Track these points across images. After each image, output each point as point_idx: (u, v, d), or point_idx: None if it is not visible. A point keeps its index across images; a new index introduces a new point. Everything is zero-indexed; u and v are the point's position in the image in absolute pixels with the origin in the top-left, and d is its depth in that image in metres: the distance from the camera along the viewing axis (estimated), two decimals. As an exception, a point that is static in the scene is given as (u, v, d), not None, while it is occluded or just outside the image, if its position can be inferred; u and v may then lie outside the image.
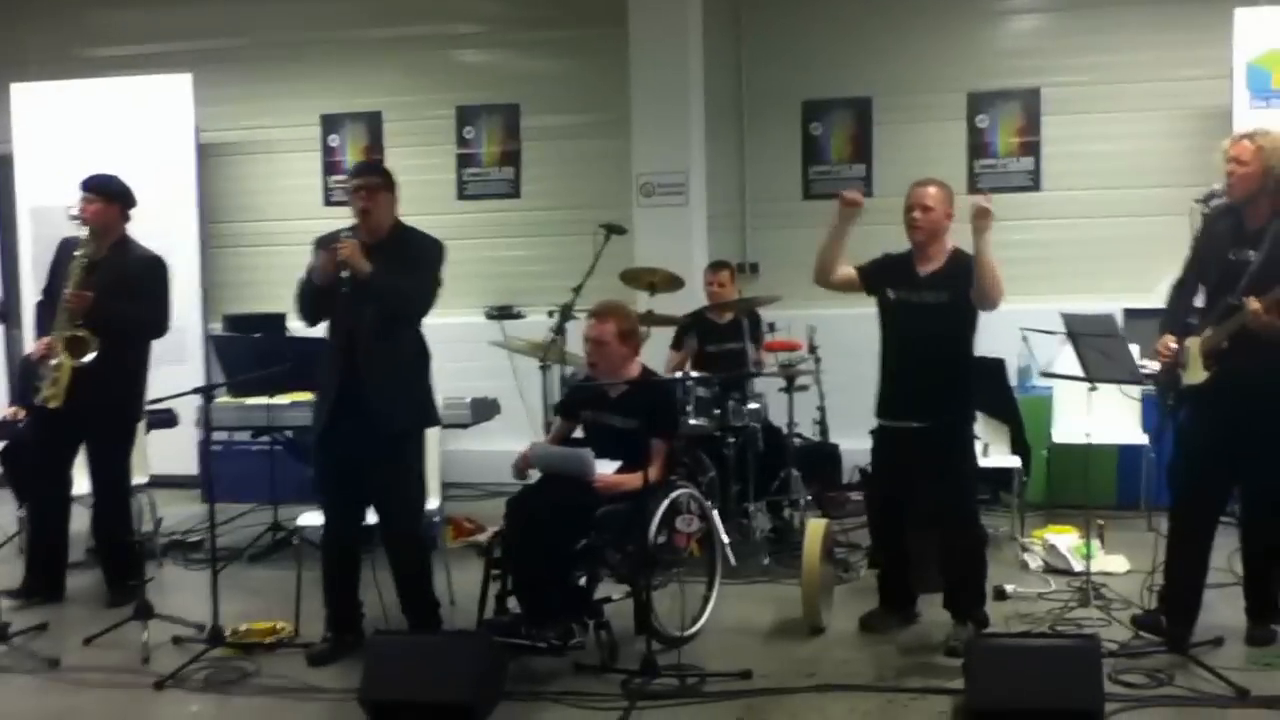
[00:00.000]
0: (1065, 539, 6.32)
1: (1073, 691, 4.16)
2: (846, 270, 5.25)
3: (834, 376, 7.37)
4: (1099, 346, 4.82)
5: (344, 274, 4.83)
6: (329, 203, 9.41)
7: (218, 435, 7.80)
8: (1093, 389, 5.29)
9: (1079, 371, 5.36)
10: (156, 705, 4.70)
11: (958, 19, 8.72)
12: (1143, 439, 7.02)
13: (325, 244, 4.99)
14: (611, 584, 5.07)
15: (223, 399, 6.64)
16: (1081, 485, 7.25)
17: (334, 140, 9.50)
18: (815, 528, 5.43)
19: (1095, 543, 6.20)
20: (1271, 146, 4.80)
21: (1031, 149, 8.57)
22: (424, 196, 8.24)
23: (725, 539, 5.77)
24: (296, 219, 9.31)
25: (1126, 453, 7.25)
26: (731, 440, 6.58)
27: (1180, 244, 7.84)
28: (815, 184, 8.94)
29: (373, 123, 9.43)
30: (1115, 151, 8.41)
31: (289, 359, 5.68)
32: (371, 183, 5.05)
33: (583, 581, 4.85)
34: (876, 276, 5.24)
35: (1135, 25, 8.36)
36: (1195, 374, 4.85)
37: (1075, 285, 8.33)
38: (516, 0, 9.33)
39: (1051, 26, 8.66)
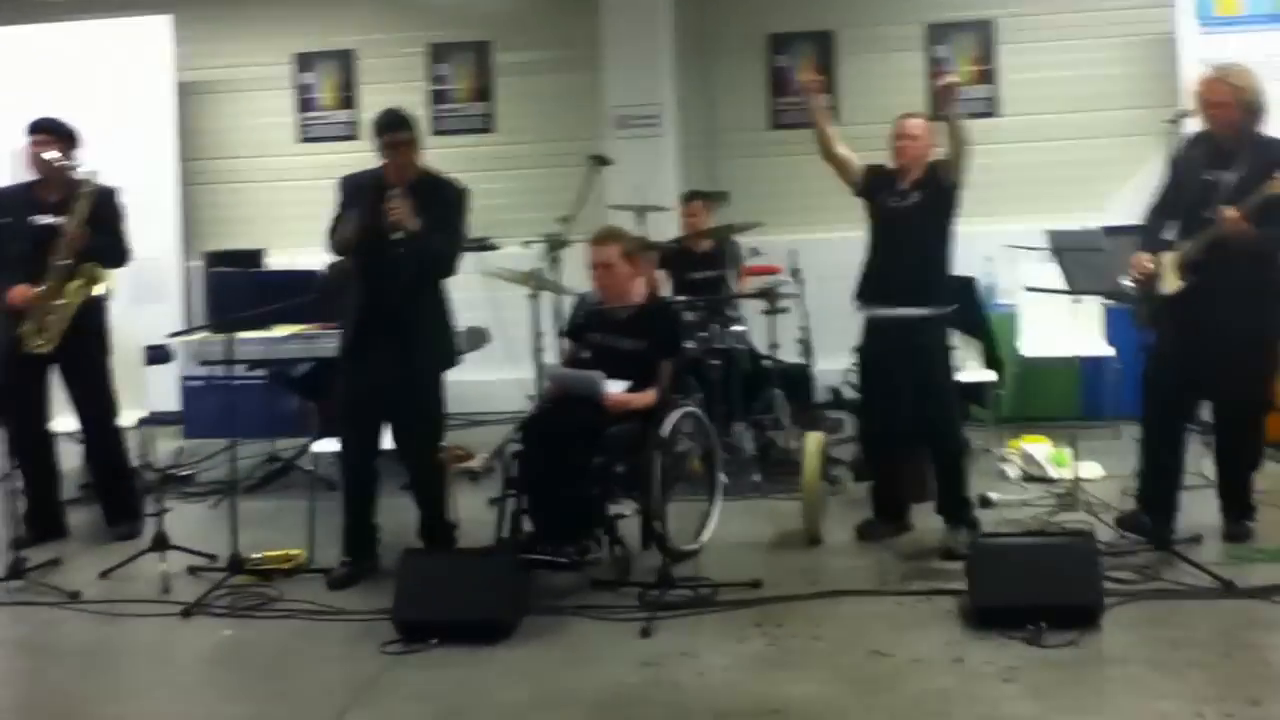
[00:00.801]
0: (1041, 448, 6.42)
1: (1073, 587, 4.25)
2: (848, 152, 5.36)
3: (809, 301, 7.34)
4: (1084, 260, 4.86)
5: (396, 234, 4.80)
6: (306, 139, 9.27)
7: (198, 371, 7.73)
8: (1077, 301, 5.34)
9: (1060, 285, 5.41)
10: (188, 631, 4.64)
11: (915, -47, 8.71)
12: (1106, 351, 7.08)
13: (354, 189, 4.98)
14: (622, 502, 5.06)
15: (208, 335, 6.52)
16: (1048, 397, 7.42)
17: (308, 78, 9.32)
18: (814, 440, 5.46)
19: (1069, 450, 6.32)
20: (1244, 84, 4.88)
21: (988, 76, 8.59)
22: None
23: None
24: (272, 156, 9.23)
25: (1089, 365, 7.33)
26: (716, 363, 6.58)
27: (1131, 165, 8.04)
28: (782, 114, 8.93)
29: (346, 61, 9.27)
30: (1067, 78, 8.48)
31: (309, 291, 5.55)
32: (402, 138, 4.95)
33: (597, 497, 4.83)
34: (871, 184, 5.35)
35: (1085, -48, 8.38)
36: (1170, 283, 4.93)
37: (1032, 206, 8.37)
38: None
39: (1004, -42, 8.67)
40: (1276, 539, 5.04)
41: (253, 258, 8.65)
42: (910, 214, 5.20)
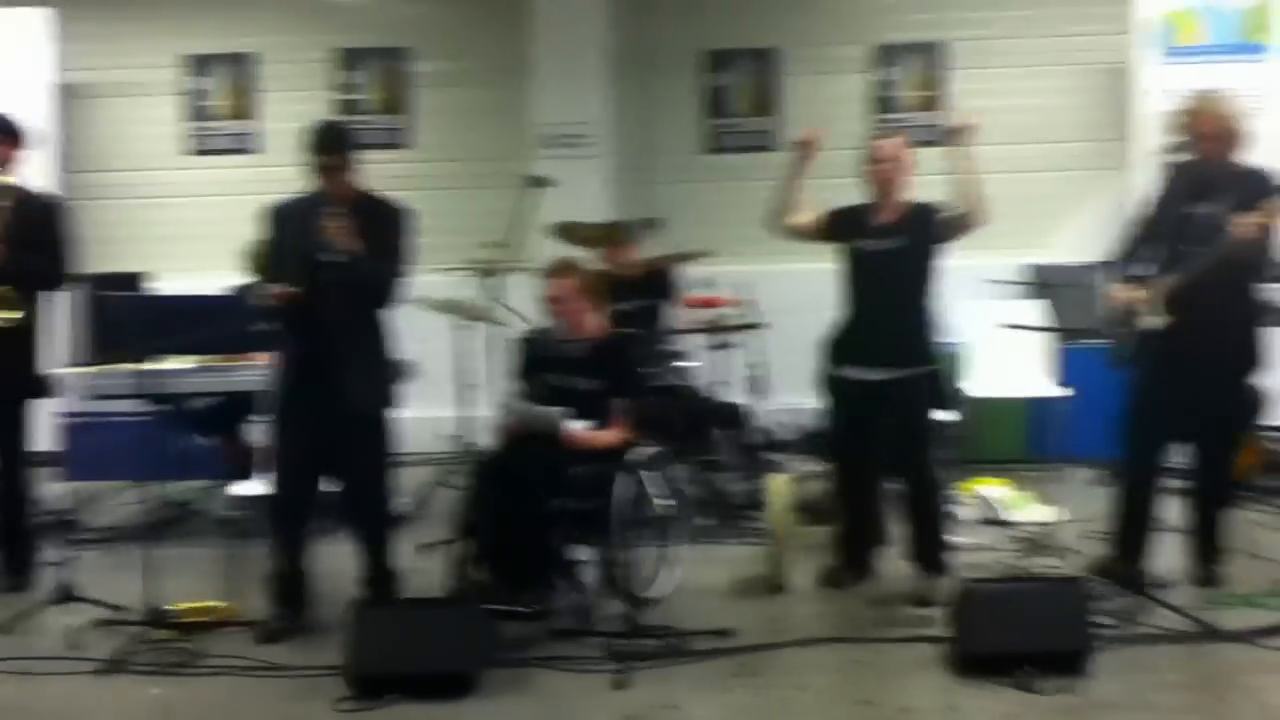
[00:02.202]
0: (996, 491, 6.69)
1: (1063, 632, 4.49)
2: (804, 217, 5.45)
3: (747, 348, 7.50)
4: (1072, 298, 5.11)
5: (331, 256, 4.83)
6: (197, 151, 9.24)
7: (80, 407, 7.63)
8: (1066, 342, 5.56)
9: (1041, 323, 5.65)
10: (110, 692, 4.60)
11: (863, -30, 9.01)
12: (1054, 390, 7.32)
13: (287, 217, 5.00)
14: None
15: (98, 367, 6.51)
16: (994, 439, 7.69)
17: (202, 84, 9.28)
18: (779, 483, 5.64)
19: (1023, 494, 6.62)
20: (1224, 105, 5.19)
21: (933, 104, 8.90)
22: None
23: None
24: (158, 169, 9.17)
25: (1036, 405, 7.63)
26: (656, 400, 6.70)
27: (1081, 200, 8.41)
28: (719, 138, 9.16)
29: (245, 65, 9.25)
30: (1019, 106, 8.74)
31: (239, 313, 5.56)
32: (333, 163, 4.96)
33: (557, 543, 4.94)
34: (838, 225, 5.45)
35: (1039, -21, 8.75)
36: (1154, 318, 5.18)
37: (978, 241, 8.66)
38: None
39: (956, -22, 9.00)
40: (1246, 583, 5.35)
41: (131, 281, 8.57)
42: (891, 260, 5.30)
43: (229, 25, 9.23)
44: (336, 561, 5.29)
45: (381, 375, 5.15)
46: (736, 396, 7.47)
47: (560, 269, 5.46)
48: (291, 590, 5.13)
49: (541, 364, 5.47)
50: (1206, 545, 5.45)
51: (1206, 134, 5.12)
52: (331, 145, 5.00)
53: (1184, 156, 5.23)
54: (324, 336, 4.94)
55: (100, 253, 8.92)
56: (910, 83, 8.98)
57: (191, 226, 8.95)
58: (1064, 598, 4.61)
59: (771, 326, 7.20)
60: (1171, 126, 5.27)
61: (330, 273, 4.88)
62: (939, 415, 6.87)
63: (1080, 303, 5.07)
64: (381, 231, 5.01)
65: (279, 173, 5.14)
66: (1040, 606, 4.56)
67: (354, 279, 4.91)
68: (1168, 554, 5.50)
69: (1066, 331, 5.43)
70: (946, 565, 5.41)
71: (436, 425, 7.30)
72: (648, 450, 5.37)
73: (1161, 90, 7.38)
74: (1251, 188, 5.05)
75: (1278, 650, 4.67)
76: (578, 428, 5.15)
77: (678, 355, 7.08)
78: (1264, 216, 4.87)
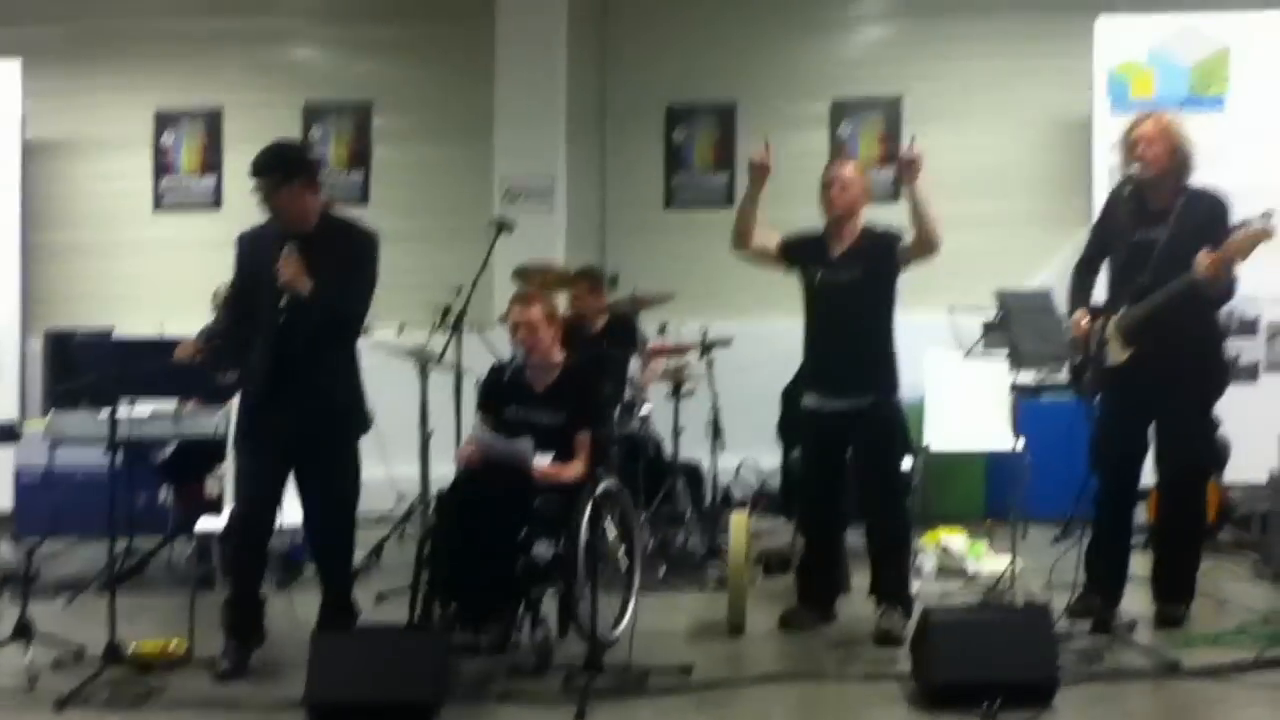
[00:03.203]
0: (958, 540, 6.67)
1: (1029, 663, 4.42)
2: (766, 240, 5.50)
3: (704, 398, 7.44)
4: (1033, 324, 5.11)
5: (281, 309, 4.80)
6: (163, 206, 9.24)
7: (33, 462, 7.53)
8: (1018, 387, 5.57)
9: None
10: (68, 727, 4.51)
11: (820, 27, 9.17)
12: (1015, 445, 7.30)
13: (252, 246, 4.97)
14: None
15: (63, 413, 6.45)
16: (953, 495, 7.70)
17: (168, 138, 9.30)
18: (739, 523, 5.61)
19: (984, 543, 6.62)
20: (1174, 122, 5.27)
21: (894, 158, 8.99)
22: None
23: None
24: (124, 224, 9.18)
25: (997, 461, 7.63)
26: (616, 449, 6.68)
27: (1042, 255, 8.48)
28: (678, 192, 9.23)
29: (212, 121, 9.29)
30: (977, 162, 8.83)
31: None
32: (264, 184, 4.88)
33: (520, 576, 4.87)
34: (795, 251, 5.51)
35: (996, 35, 8.90)
36: (1117, 353, 5.22)
37: (937, 296, 8.70)
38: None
39: (913, 35, 9.13)
40: (1207, 624, 5.34)
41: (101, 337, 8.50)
42: (848, 291, 5.34)
43: (195, 80, 9.28)
44: (307, 595, 5.27)
45: (352, 397, 5.10)
46: (696, 448, 7.49)
47: (528, 297, 5.51)
48: (247, 619, 5.04)
49: (505, 396, 5.46)
50: (1173, 585, 5.41)
51: (1149, 137, 5.17)
52: (260, 169, 4.91)
53: (1135, 179, 5.25)
54: (290, 367, 4.89)
55: (64, 308, 9.01)
56: (869, 137, 9.07)
57: (155, 282, 8.94)
58: (1030, 628, 4.55)
59: (728, 382, 7.20)
60: (1121, 149, 5.31)
61: (290, 310, 4.84)
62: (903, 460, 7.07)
63: (1044, 330, 5.07)
64: (343, 259, 4.95)
65: (241, 229, 5.16)
66: (1006, 636, 4.50)
67: (311, 316, 4.85)
68: (1136, 596, 5.49)
69: (1030, 358, 5.42)
70: (911, 604, 5.37)
71: (393, 484, 7.20)
72: (610, 485, 5.33)
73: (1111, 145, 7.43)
74: (1204, 212, 5.11)
75: (1244, 685, 4.63)
76: (544, 461, 5.13)
77: (639, 404, 7.06)
78: (1225, 254, 4.89)
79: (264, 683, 4.79)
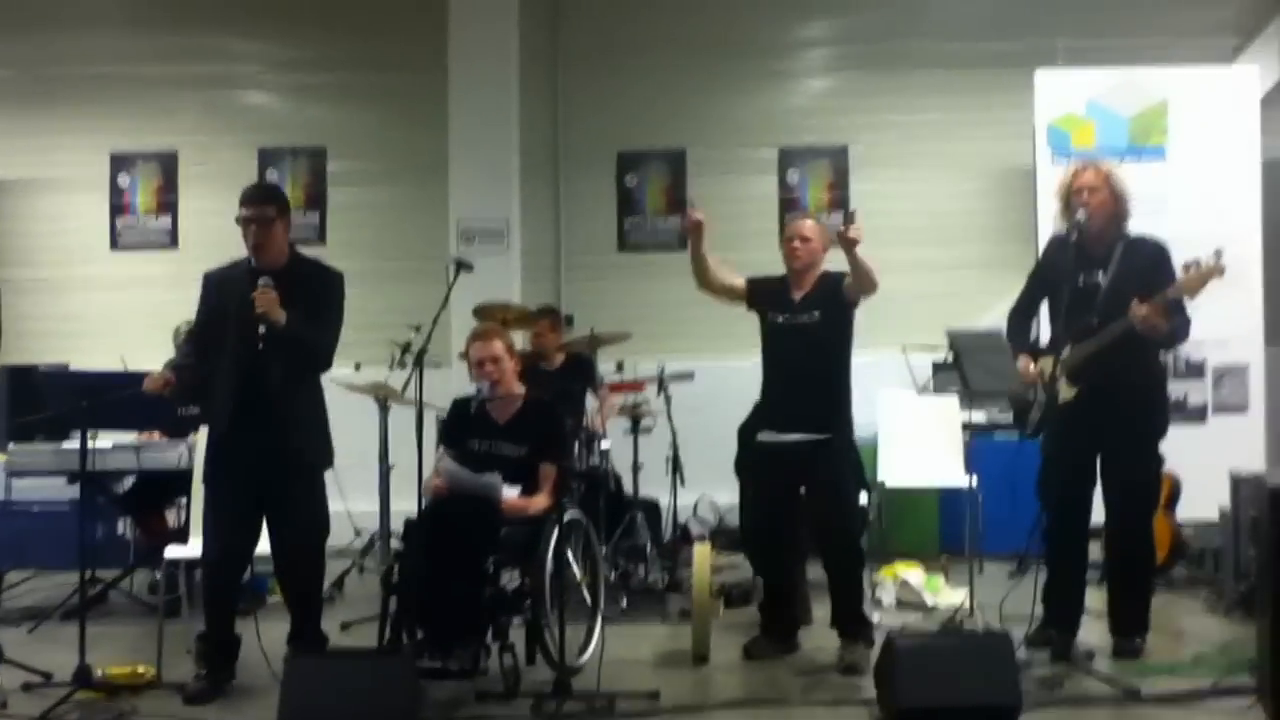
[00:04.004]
0: (916, 574, 6.76)
1: (993, 687, 4.49)
2: (730, 280, 5.63)
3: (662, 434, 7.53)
4: (985, 362, 5.24)
5: (261, 335, 4.86)
6: (118, 246, 9.21)
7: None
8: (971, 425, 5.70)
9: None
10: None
11: (768, 77, 9.36)
12: (967, 481, 7.42)
13: (220, 284, 5.03)
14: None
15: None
16: (908, 530, 7.80)
17: (124, 180, 9.29)
18: (702, 553, 5.65)
19: (940, 577, 6.71)
20: (1113, 170, 5.45)
21: (840, 204, 9.15)
22: (223, 242, 8.06)
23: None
24: (79, 264, 9.16)
25: (950, 497, 7.75)
26: (577, 484, 6.73)
27: (988, 298, 8.64)
28: (630, 235, 9.35)
29: (168, 163, 9.30)
30: (921, 209, 9.06)
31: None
32: (264, 214, 5.00)
33: (488, 603, 4.88)
34: (758, 296, 5.64)
35: (939, 87, 9.13)
36: (1064, 391, 5.34)
37: (884, 338, 8.87)
38: (320, 42, 9.36)
39: (858, 87, 9.34)
40: (1164, 656, 5.43)
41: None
42: (807, 333, 5.46)
43: (152, 123, 9.30)
44: (268, 623, 5.25)
45: (318, 430, 5.16)
46: (655, 484, 7.54)
47: (488, 332, 5.59)
48: (219, 650, 5.05)
49: (469, 429, 5.49)
50: (1128, 619, 5.50)
51: (1091, 186, 5.32)
52: (257, 198, 5.08)
53: (1081, 225, 5.37)
54: (259, 399, 4.92)
55: (18, 346, 8.94)
56: (817, 184, 9.24)
57: (110, 321, 8.91)
58: (992, 652, 4.62)
59: (685, 420, 7.36)
60: (1062, 197, 5.45)
61: (265, 342, 4.89)
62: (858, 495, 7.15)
63: (995, 367, 5.20)
64: (313, 296, 5.06)
65: (197, 268, 5.24)
66: (968, 661, 4.58)
67: (284, 349, 4.92)
68: (1094, 629, 5.60)
69: (981, 395, 5.54)
70: (871, 634, 5.44)
71: (351, 520, 7.20)
72: (574, 515, 5.36)
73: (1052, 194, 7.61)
74: (1146, 257, 5.29)
75: (1203, 711, 4.73)
76: (511, 495, 5.17)
77: (597, 440, 7.11)
78: (1161, 302, 5.07)
79: (234, 706, 4.80)
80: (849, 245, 5.21)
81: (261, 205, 5.01)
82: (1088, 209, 5.34)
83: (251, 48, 9.42)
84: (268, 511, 5.05)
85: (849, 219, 5.28)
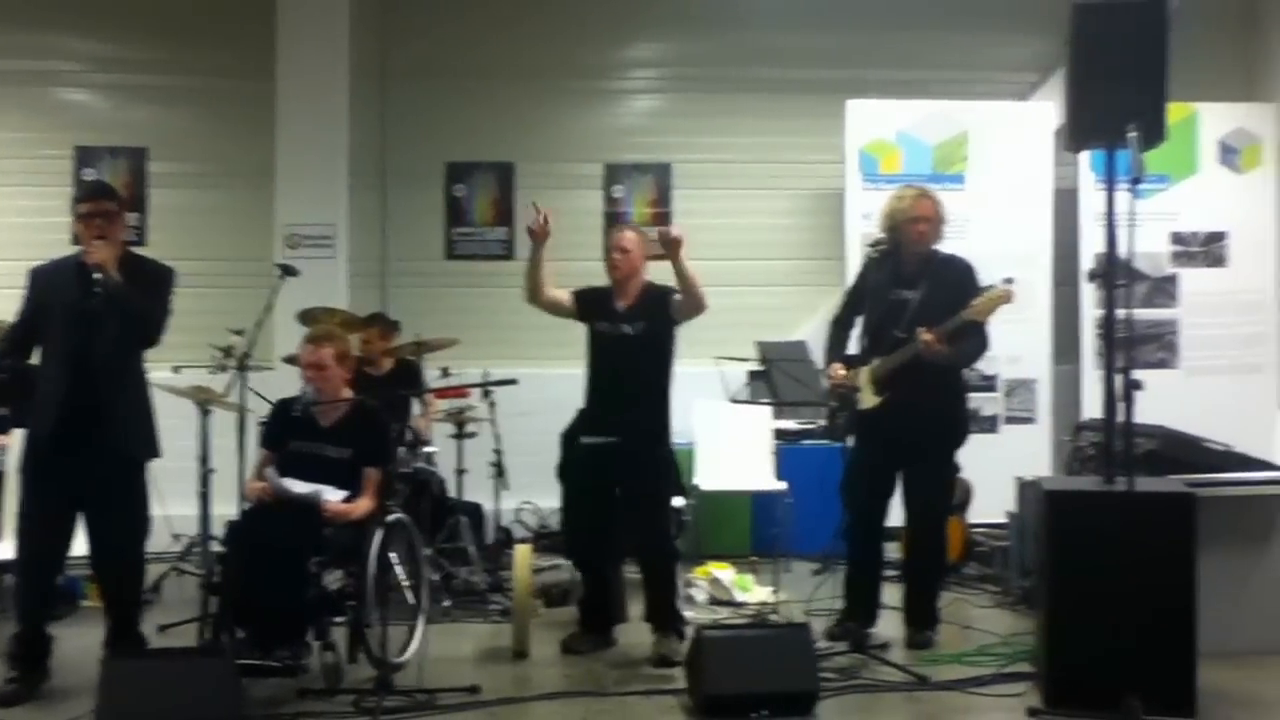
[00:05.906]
0: (726, 574, 7.01)
1: (794, 674, 4.78)
2: (559, 294, 5.77)
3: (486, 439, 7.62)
4: (791, 371, 5.52)
5: (96, 280, 4.78)
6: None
7: None
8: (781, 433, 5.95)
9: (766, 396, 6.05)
10: None
11: (593, 95, 9.58)
12: (778, 485, 7.64)
13: (47, 278, 5.01)
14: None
15: None
16: (721, 532, 8.05)
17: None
18: (523, 553, 5.79)
19: (750, 576, 6.98)
20: (939, 200, 5.80)
21: (663, 219, 9.36)
22: (36, 241, 7.92)
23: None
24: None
25: (761, 500, 8.02)
26: (401, 487, 6.78)
27: (800, 313, 9.00)
28: (458, 244, 9.44)
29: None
30: (739, 225, 9.37)
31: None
32: (107, 208, 4.98)
33: (310, 601, 4.92)
34: (587, 307, 5.80)
35: (757, 111, 9.46)
36: (868, 399, 5.67)
37: (702, 350, 9.11)
38: (145, 44, 9.22)
39: (680, 108, 9.64)
40: (953, 646, 5.80)
41: None
42: (630, 343, 5.66)
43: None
44: (83, 627, 5.21)
45: (142, 424, 5.13)
46: (479, 489, 7.64)
47: (320, 337, 5.61)
48: (33, 651, 4.97)
49: (293, 430, 5.51)
50: (920, 613, 5.87)
51: (926, 217, 5.66)
52: (97, 193, 5.13)
53: (888, 243, 5.74)
54: (89, 383, 4.89)
55: None
56: (641, 199, 9.48)
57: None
58: (792, 643, 4.90)
59: (509, 425, 7.49)
60: (893, 218, 5.76)
61: (97, 299, 4.82)
62: (673, 498, 7.37)
63: (801, 376, 5.48)
64: (145, 280, 5.05)
65: (10, 267, 5.12)
66: (770, 651, 4.85)
67: (118, 305, 4.86)
68: (889, 623, 5.92)
69: (788, 404, 5.83)
70: (684, 628, 5.64)
71: (168, 524, 7.10)
72: (397, 517, 5.44)
73: (866, 215, 8.00)
74: (954, 274, 5.66)
75: (987, 695, 5.06)
76: (334, 500, 5.21)
77: (422, 445, 7.18)
78: (946, 330, 5.42)
79: (49, 708, 4.73)
80: (672, 248, 5.39)
81: (103, 200, 5.03)
82: (924, 238, 5.69)
83: (74, 45, 9.21)
84: (87, 510, 5.00)
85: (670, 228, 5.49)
